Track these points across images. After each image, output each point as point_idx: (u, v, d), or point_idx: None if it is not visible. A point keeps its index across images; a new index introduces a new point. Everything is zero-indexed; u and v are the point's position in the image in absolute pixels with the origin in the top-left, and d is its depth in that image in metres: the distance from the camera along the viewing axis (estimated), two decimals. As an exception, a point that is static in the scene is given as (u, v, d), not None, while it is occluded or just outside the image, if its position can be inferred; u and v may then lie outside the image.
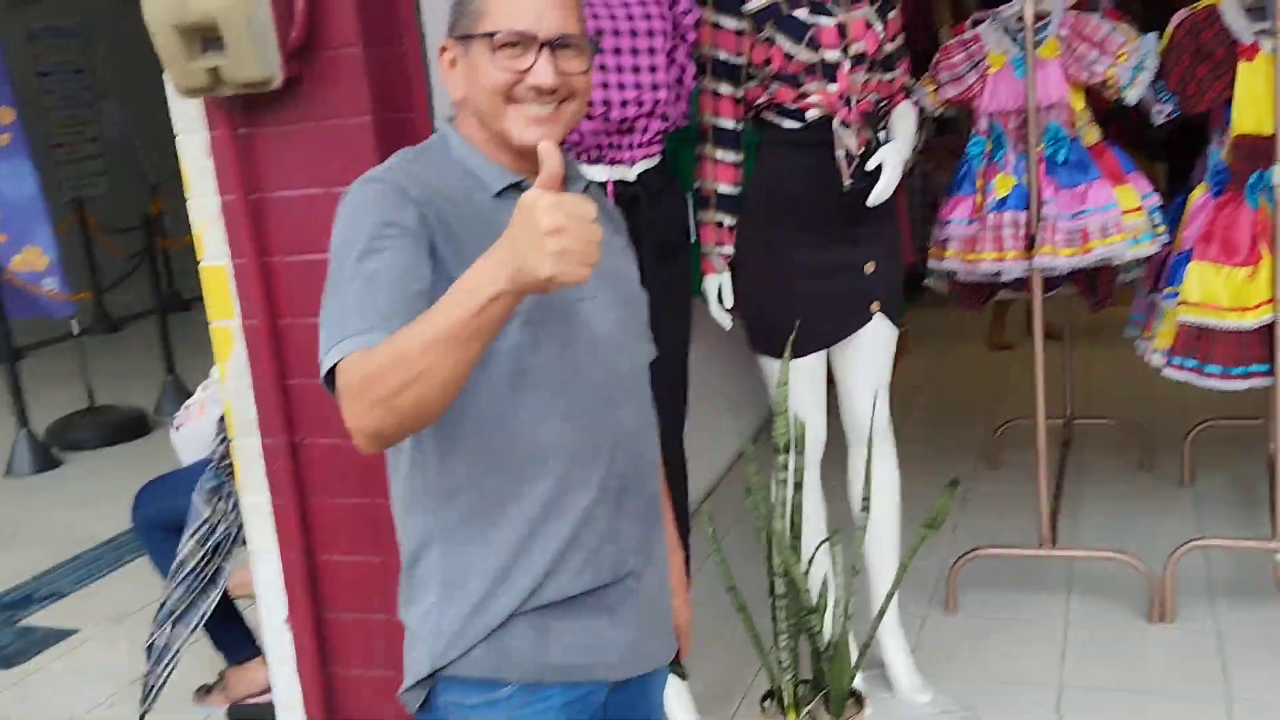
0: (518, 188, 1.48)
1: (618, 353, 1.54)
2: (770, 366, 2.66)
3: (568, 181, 1.57)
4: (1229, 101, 2.87)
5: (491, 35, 1.45)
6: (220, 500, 2.77)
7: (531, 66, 1.45)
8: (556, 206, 1.17)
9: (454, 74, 1.53)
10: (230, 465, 2.60)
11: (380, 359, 1.25)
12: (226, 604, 2.93)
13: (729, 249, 2.61)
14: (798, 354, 2.55)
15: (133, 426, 5.83)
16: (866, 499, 2.51)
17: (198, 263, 2.37)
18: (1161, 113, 2.94)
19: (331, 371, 1.32)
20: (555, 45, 1.46)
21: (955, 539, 3.45)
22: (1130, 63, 2.88)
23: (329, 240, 1.43)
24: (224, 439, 2.69)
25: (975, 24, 3.09)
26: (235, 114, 2.21)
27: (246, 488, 2.42)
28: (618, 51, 2.31)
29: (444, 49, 1.55)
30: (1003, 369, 5.41)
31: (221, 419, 2.67)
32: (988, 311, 5.71)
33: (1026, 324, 5.73)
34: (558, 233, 1.16)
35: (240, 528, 2.69)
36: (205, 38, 2.09)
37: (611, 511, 1.51)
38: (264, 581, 2.45)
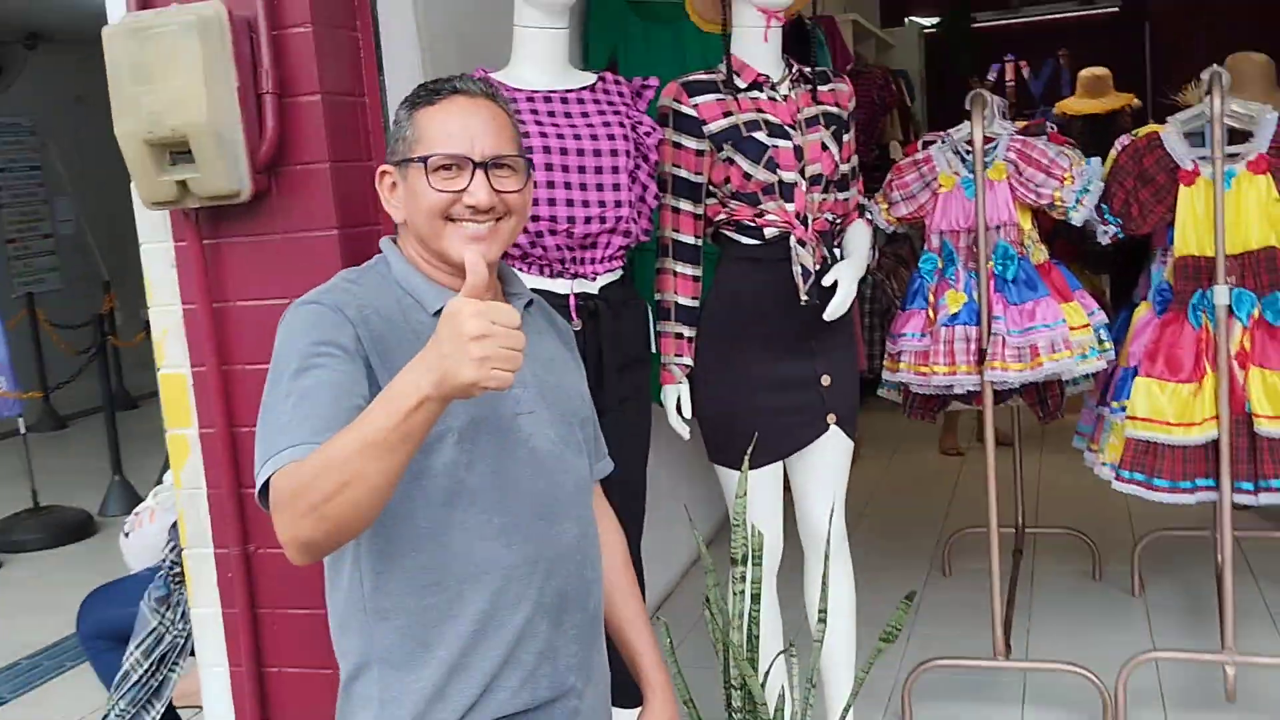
0: None
1: (558, 468, 1.56)
2: (728, 476, 2.68)
3: (511, 294, 1.61)
4: (1171, 224, 2.98)
5: (427, 159, 1.50)
6: (168, 609, 2.72)
7: (467, 187, 1.50)
8: (481, 313, 1.21)
9: (394, 197, 1.60)
10: (180, 574, 2.56)
11: (310, 468, 1.27)
12: (172, 715, 2.86)
13: (688, 360, 2.65)
14: (754, 465, 2.57)
15: (77, 527, 5.71)
16: (823, 611, 2.51)
17: (149, 361, 2.36)
18: (1106, 233, 3.04)
19: (266, 487, 1.33)
20: (489, 166, 1.52)
21: (909, 648, 3.45)
22: (1076, 185, 2.98)
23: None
24: (175, 547, 2.65)
25: (926, 145, 3.19)
26: (201, 225, 2.23)
27: (198, 599, 2.39)
28: (582, 170, 2.37)
29: (383, 173, 1.61)
30: (954, 474, 5.46)
31: (173, 526, 2.64)
32: (939, 416, 5.80)
33: (977, 430, 5.84)
34: (481, 339, 1.20)
35: (188, 638, 2.64)
36: (175, 151, 2.12)
37: (550, 629, 1.52)
38: (212, 694, 2.40)
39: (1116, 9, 9.32)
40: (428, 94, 1.58)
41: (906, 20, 9.21)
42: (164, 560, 2.79)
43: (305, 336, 1.44)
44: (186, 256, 2.25)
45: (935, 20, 9.46)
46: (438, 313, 1.51)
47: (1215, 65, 2.88)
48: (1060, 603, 3.90)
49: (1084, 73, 5.56)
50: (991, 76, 9.67)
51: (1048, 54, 9.20)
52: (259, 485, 1.35)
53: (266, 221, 2.21)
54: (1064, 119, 5.94)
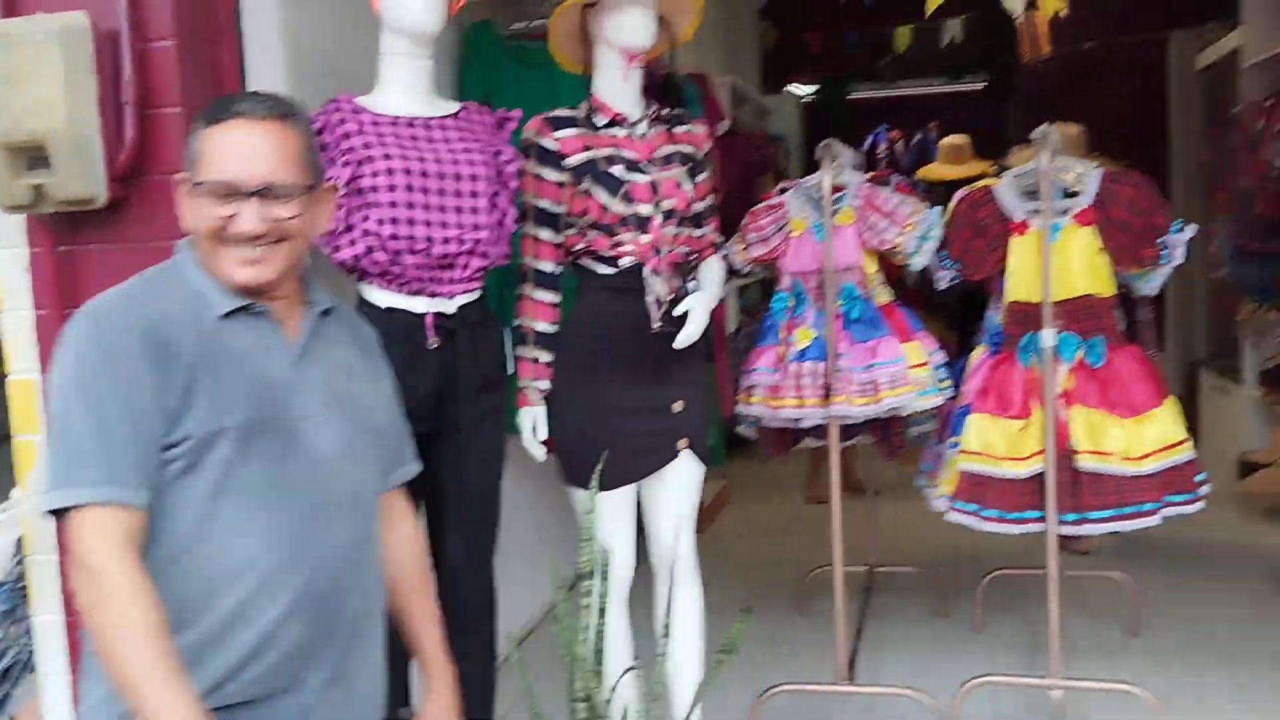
0: (247, 310, 1.58)
1: (339, 474, 1.61)
2: (581, 498, 2.76)
3: (309, 302, 1.67)
4: (1004, 272, 3.18)
5: (201, 184, 1.57)
6: (12, 624, 2.68)
7: (236, 214, 1.56)
8: None
9: (185, 205, 1.63)
10: (24, 588, 2.53)
11: (106, 636, 1.44)
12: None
13: (545, 384, 2.73)
14: (607, 487, 2.66)
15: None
16: (667, 624, 2.60)
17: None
18: (944, 278, 3.23)
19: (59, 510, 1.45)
20: (262, 194, 1.56)
21: (763, 680, 3.54)
22: (917, 232, 3.17)
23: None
24: (20, 560, 2.63)
25: (781, 192, 3.36)
26: (57, 231, 2.26)
27: (39, 607, 2.37)
28: (441, 193, 2.45)
29: (181, 179, 1.64)
30: (817, 520, 5.61)
31: (18, 541, 2.61)
32: (805, 465, 5.99)
33: (843, 478, 5.99)
34: None
35: (31, 653, 2.61)
36: (32, 155, 2.15)
37: (306, 630, 1.56)
38: (52, 704, 2.38)
39: (982, 85, 9.81)
40: (214, 111, 1.61)
41: (786, 89, 9.56)
42: (9, 575, 2.75)
43: (95, 349, 1.49)
44: (41, 262, 2.26)
45: (813, 89, 9.83)
46: (226, 314, 1.56)
47: (1045, 125, 3.10)
48: (907, 637, 4.05)
49: (945, 141, 5.86)
50: (866, 145, 10.06)
51: (919, 125, 9.64)
52: (51, 506, 1.45)
53: (124, 229, 2.25)
54: (928, 185, 6.23)
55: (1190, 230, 3.10)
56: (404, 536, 1.87)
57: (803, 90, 9.72)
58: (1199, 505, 3.09)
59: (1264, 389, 5.63)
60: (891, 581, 4.51)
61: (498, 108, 3.35)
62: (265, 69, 2.46)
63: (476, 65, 3.69)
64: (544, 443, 2.77)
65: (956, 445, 3.18)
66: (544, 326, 2.73)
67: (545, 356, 2.73)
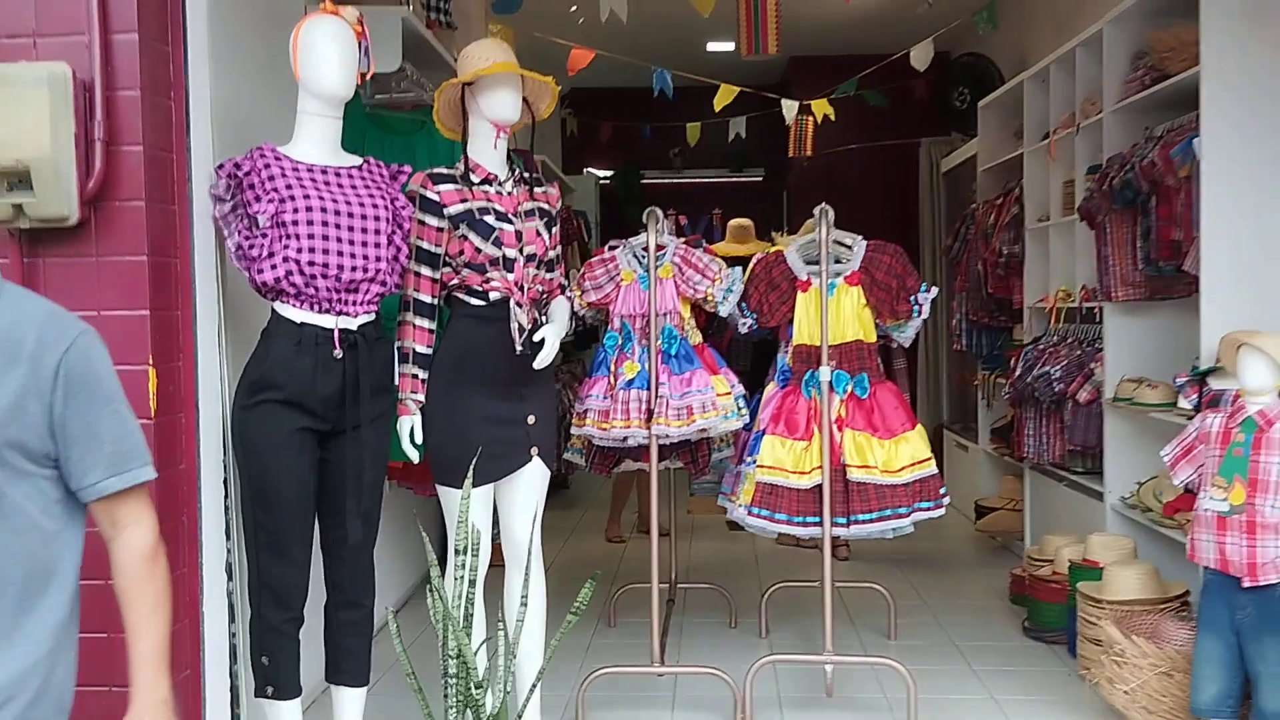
0: None
1: None
2: (450, 495, 3.27)
3: None
4: (791, 320, 3.90)
5: None
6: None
7: None
8: None
9: None
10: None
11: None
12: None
13: (420, 396, 3.24)
14: (472, 484, 3.18)
15: None
16: (525, 596, 3.12)
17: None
18: (744, 324, 3.93)
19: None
20: None
21: (581, 676, 4.07)
22: (723, 285, 3.86)
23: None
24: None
25: (613, 248, 4.00)
26: (25, 245, 2.64)
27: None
28: (350, 229, 2.96)
29: None
30: (619, 555, 6.22)
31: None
32: (605, 510, 6.61)
33: (638, 522, 6.69)
34: None
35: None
36: (13, 179, 2.55)
37: None
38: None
39: (760, 178, 10.87)
40: None
41: (585, 170, 10.33)
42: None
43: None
44: (7, 273, 2.64)
45: (610, 172, 10.64)
46: None
47: (824, 203, 3.86)
48: (703, 638, 4.68)
49: (732, 222, 6.64)
50: (656, 226, 10.76)
51: (704, 210, 10.56)
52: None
53: (85, 246, 2.66)
54: (716, 258, 7.01)
55: (934, 291, 3.92)
56: (124, 545, 1.88)
57: (600, 173, 10.51)
58: (942, 511, 3.86)
59: (994, 445, 6.61)
60: (692, 597, 5.15)
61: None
62: (202, 120, 2.91)
63: (345, 131, 4.18)
64: (418, 446, 3.26)
65: (754, 463, 3.85)
66: (421, 348, 3.24)
67: (422, 373, 3.24)
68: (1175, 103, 4.39)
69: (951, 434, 7.65)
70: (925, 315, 3.90)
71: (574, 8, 6.89)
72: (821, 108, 7.60)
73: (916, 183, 8.85)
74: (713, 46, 9.06)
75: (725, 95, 7.13)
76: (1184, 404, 3.90)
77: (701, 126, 8.78)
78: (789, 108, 7.72)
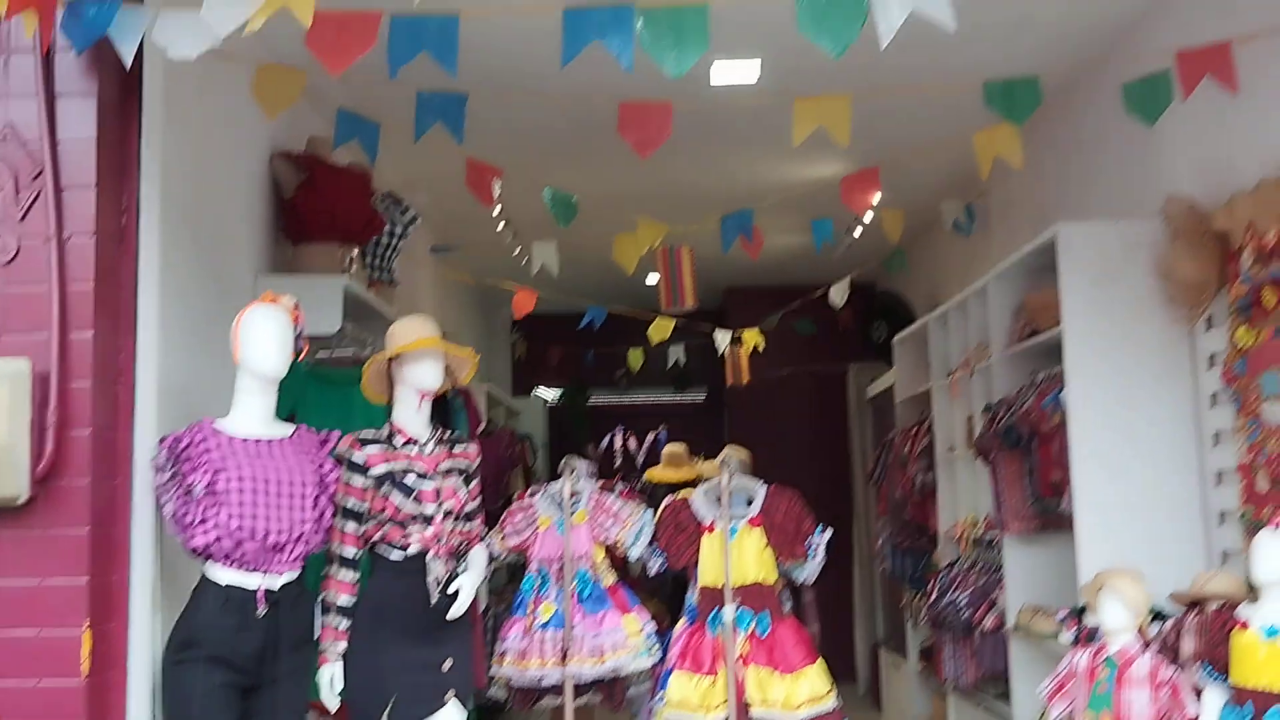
0: None
1: None
2: (368, 739, 3.46)
3: None
4: (698, 561, 4.19)
5: None
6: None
7: None
8: None
9: None
10: None
11: None
12: None
13: (342, 646, 3.47)
14: (388, 730, 3.38)
15: None
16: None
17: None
18: (654, 566, 4.21)
19: None
20: None
21: None
22: (634, 529, 4.16)
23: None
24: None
25: (532, 494, 4.31)
26: (-24, 519, 2.92)
27: None
28: (278, 495, 3.26)
29: None
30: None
31: None
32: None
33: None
34: None
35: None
36: (-32, 463, 2.84)
37: None
38: None
39: (703, 397, 11.32)
40: None
41: (534, 392, 10.74)
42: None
43: None
44: (-45, 543, 2.90)
45: (558, 393, 11.06)
46: None
47: (727, 450, 4.21)
48: None
49: (666, 449, 6.99)
50: (604, 444, 11.25)
51: (650, 428, 10.94)
52: None
53: (32, 520, 2.93)
54: (653, 485, 7.33)
55: (829, 533, 4.23)
56: None
57: (549, 394, 10.93)
58: (841, 743, 4.07)
59: (921, 665, 6.81)
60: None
61: (302, 419, 4.21)
62: (148, 400, 3.24)
63: (286, 384, 4.52)
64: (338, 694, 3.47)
65: (663, 699, 4.07)
66: (344, 599, 3.50)
67: (344, 624, 3.49)
68: (1053, 350, 4.83)
69: (887, 652, 7.83)
70: (821, 558, 4.20)
71: (518, 251, 7.40)
72: (752, 338, 8.09)
73: (846, 407, 9.28)
74: (652, 279, 9.62)
75: (660, 330, 7.62)
76: (1064, 638, 4.18)
77: (643, 352, 9.26)
78: (721, 338, 8.22)
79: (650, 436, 11.01)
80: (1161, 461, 4.27)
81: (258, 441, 3.33)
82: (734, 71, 5.12)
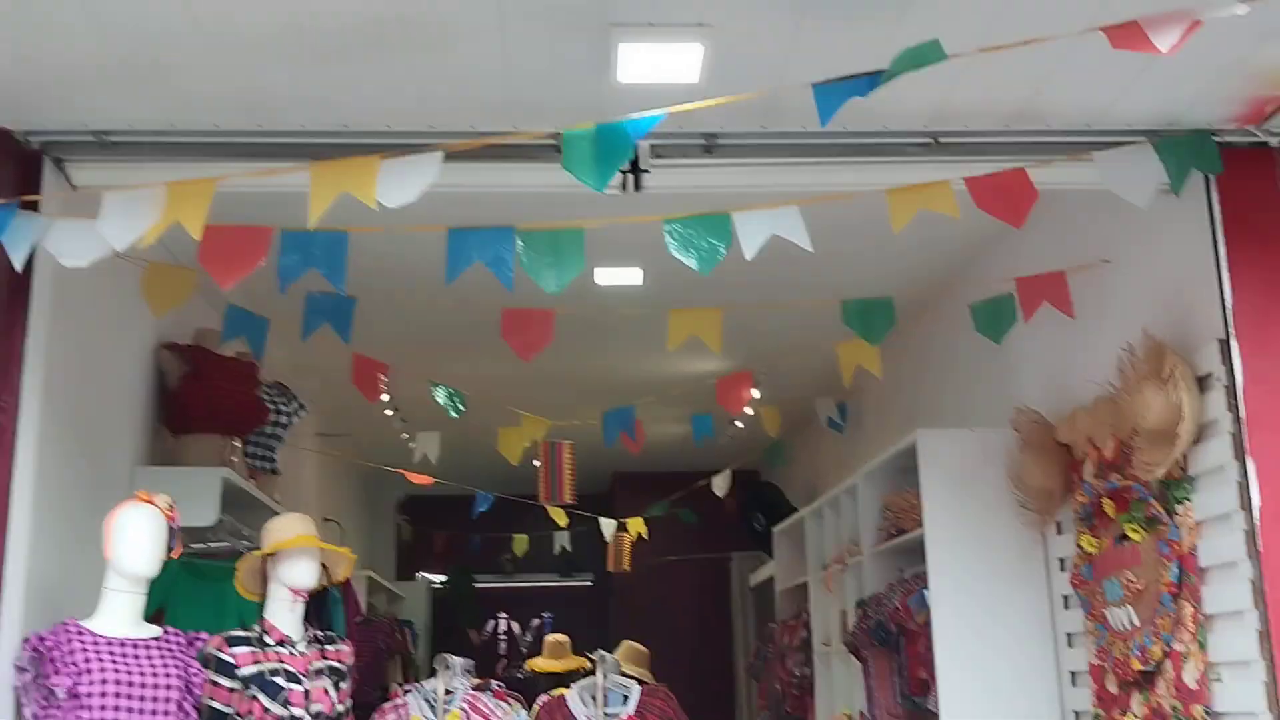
0: None
1: None
2: None
3: None
4: (571, 762, 4.18)
5: None
6: None
7: None
8: None
9: None
10: None
11: None
12: None
13: None
14: None
15: None
16: None
17: None
18: (527, 766, 4.18)
19: None
20: None
21: None
22: (508, 728, 4.15)
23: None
24: None
25: (406, 692, 4.27)
26: None
27: None
28: (141, 699, 3.21)
29: None
30: None
31: None
32: None
33: None
34: None
35: None
36: None
37: None
38: None
39: (590, 583, 11.29)
40: None
41: (418, 575, 10.61)
42: None
43: None
44: None
45: (443, 577, 10.94)
46: None
47: (600, 650, 4.25)
48: None
49: (548, 638, 6.97)
50: (489, 629, 11.11)
51: (536, 613, 10.87)
52: None
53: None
54: (532, 674, 7.27)
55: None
56: None
57: (434, 577, 10.80)
58: None
59: None
60: None
61: (173, 613, 4.15)
62: (14, 600, 3.20)
63: (158, 578, 4.46)
64: None
65: None
66: (206, 804, 3.42)
67: (210, 825, 3.40)
68: (917, 549, 5.02)
69: None
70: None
71: (405, 435, 7.46)
72: (636, 526, 8.18)
73: (729, 595, 9.37)
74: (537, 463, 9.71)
75: (559, 514, 7.67)
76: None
77: (529, 538, 9.27)
78: (607, 526, 8.30)
79: (535, 622, 10.96)
80: (1021, 661, 4.43)
81: (124, 642, 3.30)
82: (617, 275, 5.36)
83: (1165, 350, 3.53)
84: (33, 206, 3.14)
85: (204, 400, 4.65)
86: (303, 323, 3.83)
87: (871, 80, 2.65)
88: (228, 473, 4.55)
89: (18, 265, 3.06)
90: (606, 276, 5.37)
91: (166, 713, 3.26)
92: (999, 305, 4.00)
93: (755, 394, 5.87)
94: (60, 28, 2.80)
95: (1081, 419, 4.07)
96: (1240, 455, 3.31)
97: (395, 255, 4.75)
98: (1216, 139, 3.40)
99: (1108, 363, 3.89)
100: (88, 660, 3.18)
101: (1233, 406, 3.35)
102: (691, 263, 3.21)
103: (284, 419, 5.37)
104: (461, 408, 5.04)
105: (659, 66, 3.06)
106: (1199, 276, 3.51)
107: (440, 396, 4.98)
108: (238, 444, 4.96)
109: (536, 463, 9.35)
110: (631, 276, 5.38)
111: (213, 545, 4.66)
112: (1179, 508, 3.56)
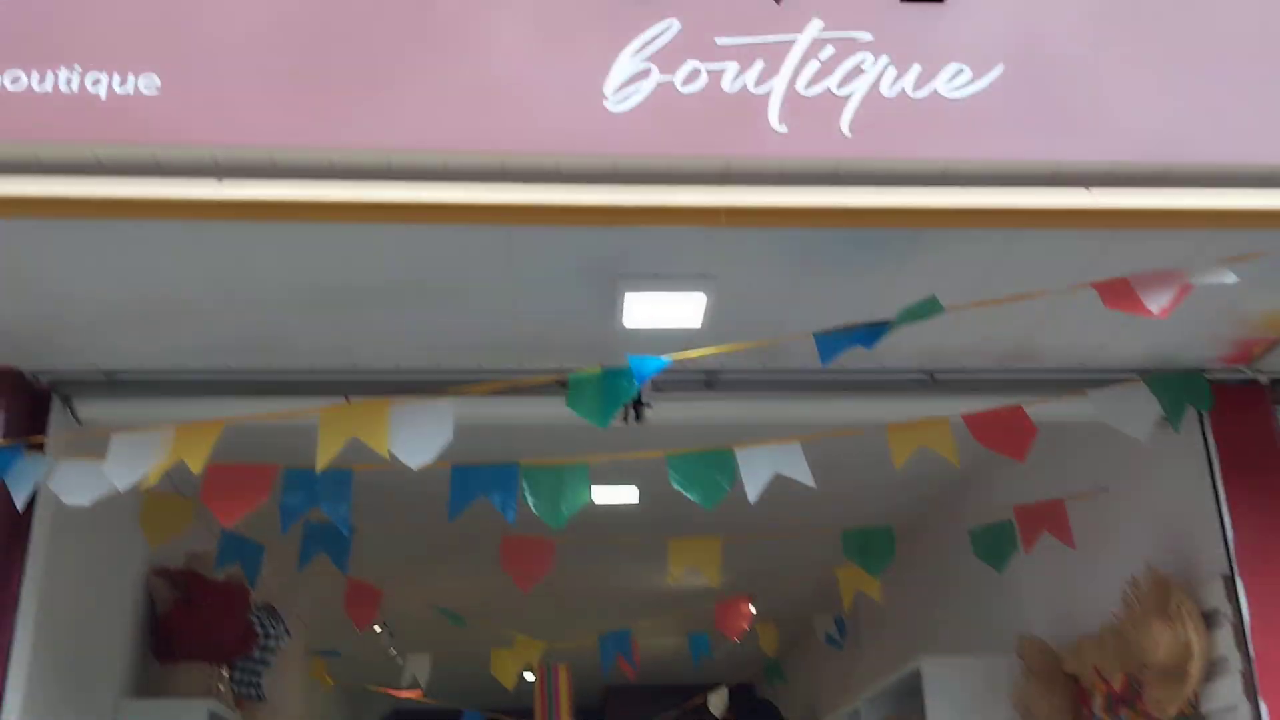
0: None
1: None
2: None
3: None
4: None
5: None
6: None
7: None
8: None
9: None
10: None
11: None
12: None
13: None
14: None
15: None
16: None
17: None
18: None
19: None
20: None
21: None
22: None
23: None
24: None
25: None
26: None
27: None
28: None
29: None
30: None
31: None
32: None
33: None
34: None
35: None
36: None
37: None
38: None
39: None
40: None
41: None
42: None
43: None
44: None
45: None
46: None
47: None
48: None
49: None
50: None
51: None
52: None
53: None
54: None
55: None
56: None
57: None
58: None
59: None
60: None
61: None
62: None
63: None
64: None
65: None
66: None
67: None
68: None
69: None
70: None
71: (392, 650, 7.30)
72: (630, 745, 7.94)
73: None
74: (531, 676, 9.47)
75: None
76: None
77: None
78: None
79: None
80: None
81: None
82: (614, 494, 5.35)
83: (1170, 585, 3.51)
84: (39, 442, 3.15)
85: (194, 628, 4.56)
86: (299, 553, 3.79)
87: (873, 332, 2.72)
88: (215, 704, 4.43)
89: (19, 506, 3.04)
90: (603, 495, 5.36)
91: None
92: (999, 532, 3.98)
93: (752, 609, 5.79)
94: (76, 275, 2.86)
95: (1088, 649, 4.01)
96: (1252, 695, 3.25)
97: (394, 484, 4.73)
98: (1208, 376, 3.47)
99: (1112, 592, 3.85)
100: None
101: (1241, 645, 3.31)
102: (695, 497, 3.22)
103: (271, 643, 5.26)
104: (457, 622, 4.94)
105: (664, 313, 3.13)
106: (1198, 509, 3.52)
107: (444, 615, 4.89)
108: (225, 672, 4.83)
109: (531, 676, 9.15)
110: (628, 495, 5.36)
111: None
112: (1193, 748, 3.47)
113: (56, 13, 2.41)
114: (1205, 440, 3.52)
